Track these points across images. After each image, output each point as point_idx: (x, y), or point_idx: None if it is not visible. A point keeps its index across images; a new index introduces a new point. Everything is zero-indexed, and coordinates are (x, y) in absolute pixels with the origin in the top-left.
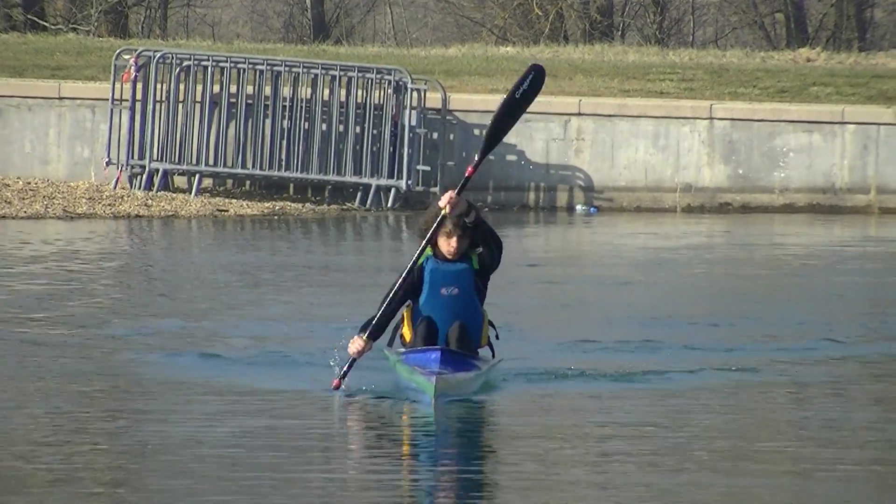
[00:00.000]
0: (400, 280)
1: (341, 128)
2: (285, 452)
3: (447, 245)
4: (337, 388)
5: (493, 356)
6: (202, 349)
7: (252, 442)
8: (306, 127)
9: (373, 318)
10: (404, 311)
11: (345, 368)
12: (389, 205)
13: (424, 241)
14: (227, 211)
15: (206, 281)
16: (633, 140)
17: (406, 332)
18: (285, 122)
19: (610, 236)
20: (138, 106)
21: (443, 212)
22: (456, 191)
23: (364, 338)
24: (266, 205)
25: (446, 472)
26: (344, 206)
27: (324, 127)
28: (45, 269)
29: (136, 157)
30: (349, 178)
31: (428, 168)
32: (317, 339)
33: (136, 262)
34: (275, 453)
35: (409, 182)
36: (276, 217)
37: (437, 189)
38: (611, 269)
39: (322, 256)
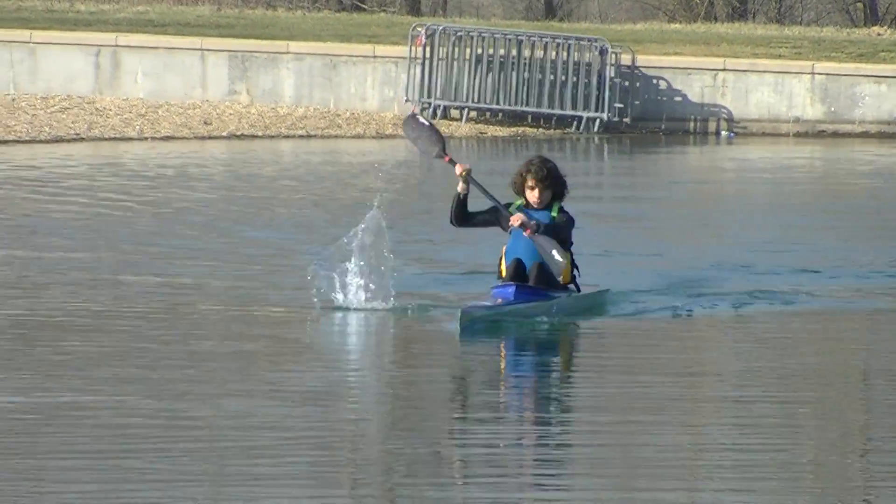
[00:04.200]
0: (495, 203)
1: (563, 77)
2: None
3: (532, 196)
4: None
5: (578, 291)
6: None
7: None
8: (540, 77)
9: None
10: (503, 250)
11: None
12: (595, 129)
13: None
14: (486, 133)
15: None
16: (760, 87)
17: (502, 268)
18: (525, 74)
19: (746, 153)
20: (427, 62)
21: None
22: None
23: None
24: (512, 129)
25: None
26: (565, 131)
27: (551, 77)
28: (378, 167)
29: (425, 96)
30: (569, 111)
31: (621, 105)
32: None
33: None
34: None
35: (609, 114)
36: (518, 138)
37: (627, 119)
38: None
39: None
